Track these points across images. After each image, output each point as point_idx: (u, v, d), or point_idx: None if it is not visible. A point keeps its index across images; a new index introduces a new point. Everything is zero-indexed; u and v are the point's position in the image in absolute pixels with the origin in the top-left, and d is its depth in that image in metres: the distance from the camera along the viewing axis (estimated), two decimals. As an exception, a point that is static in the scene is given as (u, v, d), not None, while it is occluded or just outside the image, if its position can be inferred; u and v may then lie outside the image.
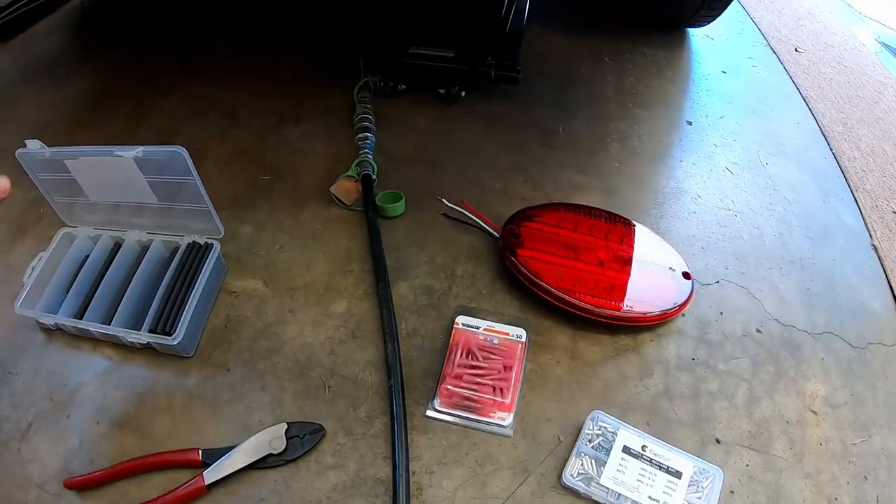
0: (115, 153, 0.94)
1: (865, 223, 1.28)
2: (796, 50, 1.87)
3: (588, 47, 1.73)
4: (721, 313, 1.06)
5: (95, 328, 0.95)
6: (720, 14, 1.65)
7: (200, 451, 0.83)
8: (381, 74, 1.45)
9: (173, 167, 0.94)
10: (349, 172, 1.22)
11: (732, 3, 1.55)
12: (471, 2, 1.35)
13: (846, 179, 1.38)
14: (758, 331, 1.04)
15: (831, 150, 1.46)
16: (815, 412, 0.93)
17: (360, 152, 1.25)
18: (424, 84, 1.49)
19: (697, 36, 1.84)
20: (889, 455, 0.90)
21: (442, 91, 1.45)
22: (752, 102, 1.58)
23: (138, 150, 0.93)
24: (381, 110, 1.43)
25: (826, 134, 1.51)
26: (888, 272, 1.18)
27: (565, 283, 0.99)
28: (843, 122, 1.56)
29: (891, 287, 1.15)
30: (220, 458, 0.82)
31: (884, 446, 0.91)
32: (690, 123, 1.48)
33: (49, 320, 0.98)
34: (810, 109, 1.59)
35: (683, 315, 1.04)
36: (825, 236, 1.23)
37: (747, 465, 0.86)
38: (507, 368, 0.91)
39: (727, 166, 1.35)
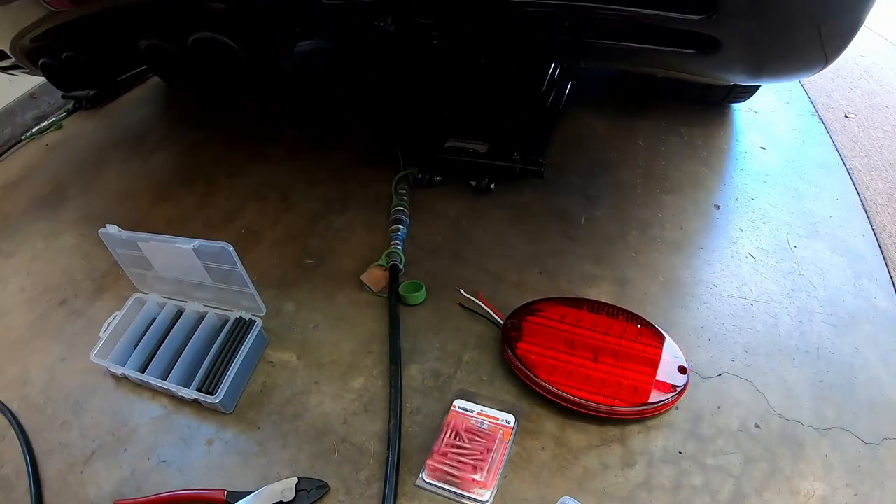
0: (176, 245, 1.23)
1: (900, 306, 1.28)
2: (846, 116, 1.90)
3: (625, 130, 1.86)
4: (718, 407, 1.14)
5: (154, 382, 1.25)
6: (756, 91, 1.74)
7: (226, 492, 1.09)
8: (419, 167, 1.70)
9: (224, 258, 1.22)
10: (380, 262, 1.46)
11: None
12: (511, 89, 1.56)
13: (884, 257, 1.40)
14: (756, 426, 1.10)
15: (871, 226, 1.48)
16: (807, 513, 0.99)
17: (392, 243, 1.49)
18: (458, 176, 1.70)
19: (741, 110, 1.91)
20: (890, 563, 0.95)
21: (473, 183, 1.66)
22: (788, 179, 1.63)
23: (195, 244, 1.22)
24: (416, 200, 1.67)
25: (867, 208, 1.53)
26: (918, 359, 1.18)
27: (557, 376, 1.16)
28: (890, 193, 1.58)
29: (919, 376, 1.15)
30: (240, 499, 1.08)
31: (885, 553, 0.95)
32: (718, 207, 1.56)
33: (118, 370, 1.29)
34: (853, 182, 1.62)
35: (677, 408, 1.14)
36: (850, 323, 1.26)
37: (721, 566, 0.96)
38: (488, 450, 1.09)
39: (750, 252, 1.44)
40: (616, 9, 0.96)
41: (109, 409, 1.29)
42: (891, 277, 1.37)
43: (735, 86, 1.69)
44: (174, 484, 1.14)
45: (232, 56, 1.28)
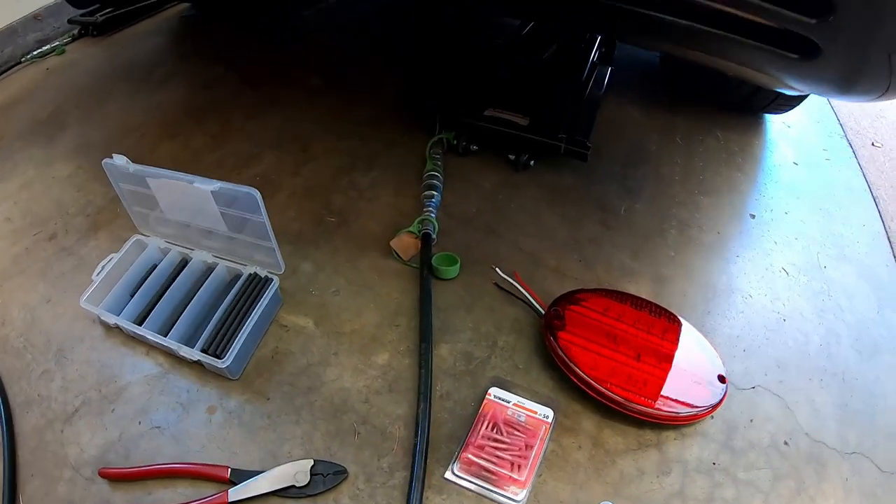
0: (195, 184, 1.04)
1: (918, 339, 1.25)
2: (873, 144, 1.85)
3: (663, 124, 1.75)
4: (751, 420, 1.06)
5: (153, 337, 1.06)
6: (798, 104, 1.65)
7: (230, 470, 0.92)
8: (455, 133, 1.53)
9: (245, 203, 1.04)
10: (411, 228, 1.30)
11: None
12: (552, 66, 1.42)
13: None
14: (785, 443, 1.04)
15: (894, 256, 1.43)
16: (828, 533, 0.93)
17: (424, 210, 1.32)
18: (496, 148, 1.55)
19: (775, 122, 1.82)
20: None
21: (512, 157, 1.51)
22: (819, 199, 1.56)
23: (216, 185, 1.03)
24: (450, 167, 1.51)
25: (891, 239, 1.48)
26: (934, 394, 1.14)
27: (599, 372, 1.03)
28: None
29: (934, 411, 1.12)
30: (246, 479, 0.91)
31: (894, 577, 0.89)
32: (753, 217, 1.47)
33: (110, 319, 1.09)
34: (879, 211, 1.56)
35: (712, 418, 1.05)
36: (874, 350, 1.21)
37: (747, 579, 0.87)
38: (529, 447, 0.96)
39: (784, 266, 1.35)
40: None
41: (97, 362, 1.10)
42: (911, 311, 1.31)
43: (778, 97, 1.59)
44: (168, 454, 0.96)
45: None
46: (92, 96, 1.79)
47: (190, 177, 1.06)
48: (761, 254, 1.38)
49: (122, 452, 0.97)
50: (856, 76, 0.89)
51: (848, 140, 1.82)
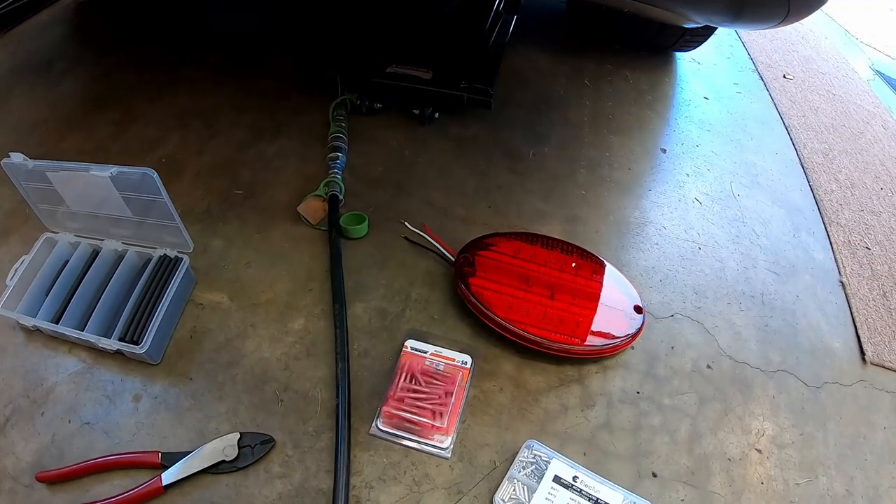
0: (91, 172, 1.03)
1: (835, 259, 1.31)
2: (784, 76, 1.90)
3: (570, 69, 1.77)
4: (672, 348, 1.10)
5: (70, 333, 1.04)
6: (704, 41, 1.68)
7: (160, 454, 0.92)
8: (357, 92, 1.52)
9: (146, 186, 1.03)
10: (317, 192, 1.29)
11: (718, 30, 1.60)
12: (454, 17, 1.42)
13: (820, 213, 1.41)
14: (708, 367, 1.08)
15: (808, 182, 1.49)
16: (759, 451, 0.98)
17: (330, 172, 1.32)
18: (400, 104, 1.55)
19: (684, 59, 1.86)
20: (834, 497, 0.93)
21: (416, 112, 1.52)
22: (731, 131, 1.60)
23: (112, 171, 1.02)
24: (355, 127, 1.50)
25: (805, 165, 1.53)
26: (853, 310, 1.21)
27: (514, 314, 1.05)
28: (825, 152, 1.59)
29: (855, 325, 1.18)
30: (177, 461, 0.92)
31: (829, 488, 0.94)
32: (664, 151, 1.51)
33: (28, 322, 1.07)
34: (791, 139, 1.61)
35: (633, 348, 1.09)
36: (791, 272, 1.26)
37: (682, 501, 0.91)
38: (448, 394, 0.98)
39: (697, 197, 1.39)
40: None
41: (21, 368, 1.07)
42: (827, 232, 1.38)
43: (684, 34, 1.62)
44: (100, 448, 0.96)
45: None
46: (-5, 96, 1.72)
47: (86, 165, 1.04)
48: (674, 186, 1.42)
49: (57, 454, 0.96)
50: (747, 3, 0.92)
51: (759, 73, 1.87)
